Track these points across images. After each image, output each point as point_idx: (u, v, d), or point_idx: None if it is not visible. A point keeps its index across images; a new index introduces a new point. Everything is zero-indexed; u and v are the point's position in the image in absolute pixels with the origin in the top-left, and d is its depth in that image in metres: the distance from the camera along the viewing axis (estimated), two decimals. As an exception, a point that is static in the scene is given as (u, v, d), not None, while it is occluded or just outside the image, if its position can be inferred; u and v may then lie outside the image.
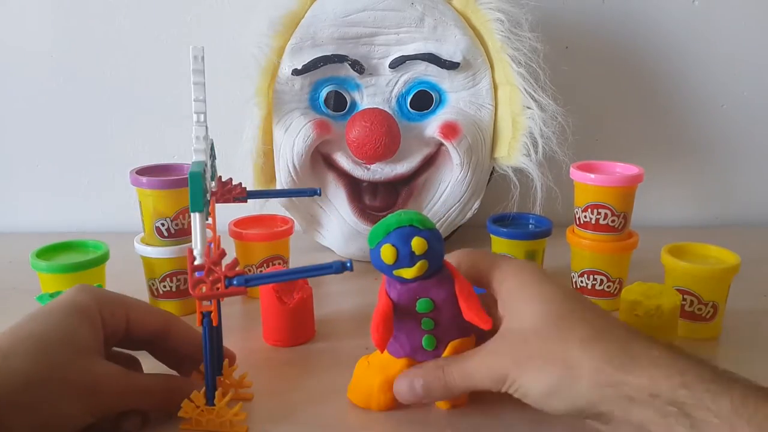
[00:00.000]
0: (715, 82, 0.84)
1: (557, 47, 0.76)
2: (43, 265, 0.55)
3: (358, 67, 0.69)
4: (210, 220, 0.42)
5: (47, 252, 0.58)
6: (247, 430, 0.42)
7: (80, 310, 0.41)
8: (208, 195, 0.42)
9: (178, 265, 0.59)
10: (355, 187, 0.72)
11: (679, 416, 0.32)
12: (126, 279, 0.60)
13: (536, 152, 0.67)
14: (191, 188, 0.38)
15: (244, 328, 0.57)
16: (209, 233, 0.43)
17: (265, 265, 0.63)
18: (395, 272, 0.39)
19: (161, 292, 0.60)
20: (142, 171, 0.60)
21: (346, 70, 0.70)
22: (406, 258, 0.38)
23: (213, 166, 0.47)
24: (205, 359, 0.41)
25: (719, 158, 0.87)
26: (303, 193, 0.55)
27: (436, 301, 0.40)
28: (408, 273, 0.39)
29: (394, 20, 0.68)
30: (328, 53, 0.68)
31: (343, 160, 0.70)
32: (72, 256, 0.58)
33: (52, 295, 0.52)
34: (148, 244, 0.59)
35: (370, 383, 0.43)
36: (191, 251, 0.39)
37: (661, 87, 0.84)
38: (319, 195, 0.54)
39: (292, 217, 0.68)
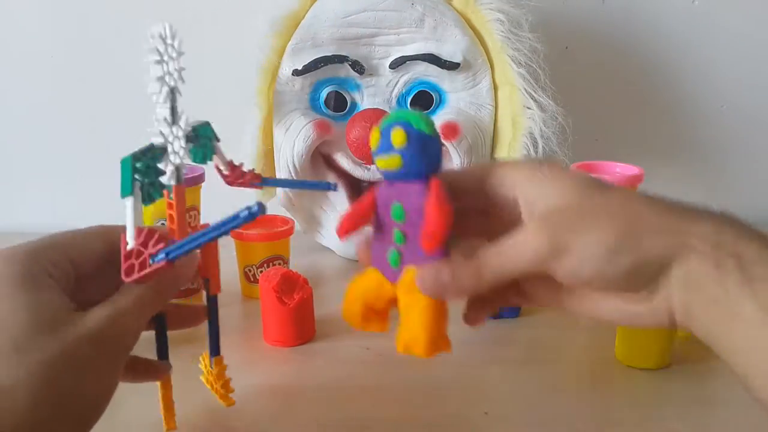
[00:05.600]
0: (715, 82, 0.84)
1: (557, 47, 0.76)
2: (43, 265, 0.55)
3: (358, 67, 0.69)
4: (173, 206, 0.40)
5: (48, 252, 0.58)
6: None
7: (30, 280, 0.34)
8: (171, 179, 0.40)
9: (179, 266, 0.58)
10: (355, 187, 0.72)
11: (734, 270, 0.31)
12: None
13: (536, 152, 0.67)
14: (121, 173, 0.38)
15: (244, 328, 0.57)
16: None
17: (265, 265, 0.63)
18: (375, 160, 0.38)
19: (161, 292, 0.59)
20: (143, 171, 0.60)
21: (347, 71, 0.70)
22: (384, 146, 0.37)
23: (210, 148, 0.45)
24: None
25: (719, 158, 0.87)
26: (318, 186, 0.53)
27: (408, 211, 0.37)
28: (379, 162, 0.37)
29: (394, 21, 0.68)
30: (329, 54, 0.68)
31: (344, 161, 0.70)
32: (72, 256, 0.58)
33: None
34: (148, 245, 0.58)
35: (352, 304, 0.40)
36: (123, 236, 0.36)
37: (660, 87, 0.84)
38: (335, 190, 0.52)
39: (293, 218, 0.69)
